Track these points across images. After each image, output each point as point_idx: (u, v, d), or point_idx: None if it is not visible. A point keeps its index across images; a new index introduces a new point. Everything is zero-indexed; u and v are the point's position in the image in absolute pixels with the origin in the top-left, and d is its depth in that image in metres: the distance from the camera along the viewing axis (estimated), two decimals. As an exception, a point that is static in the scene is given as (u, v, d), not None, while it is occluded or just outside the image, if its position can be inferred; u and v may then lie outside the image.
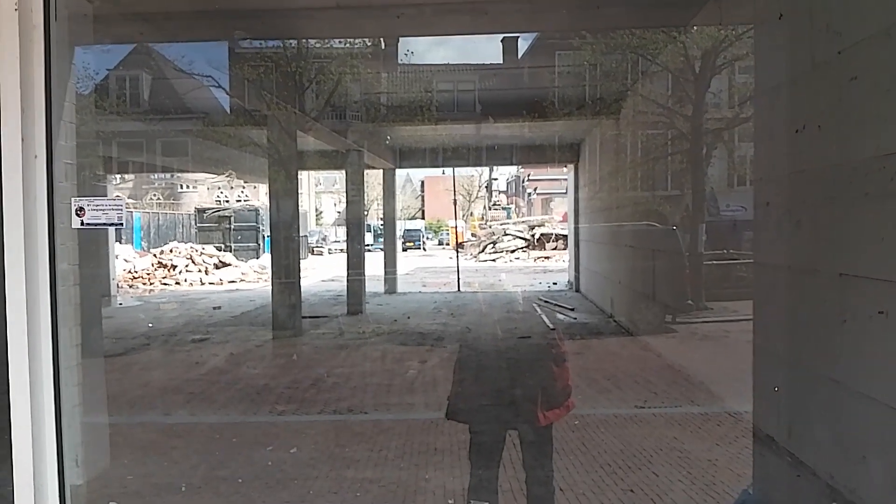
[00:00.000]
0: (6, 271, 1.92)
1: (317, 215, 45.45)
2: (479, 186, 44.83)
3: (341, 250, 23.64)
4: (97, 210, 2.07)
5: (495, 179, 43.13)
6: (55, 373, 2.00)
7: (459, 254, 22.99)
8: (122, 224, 2.10)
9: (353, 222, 16.14)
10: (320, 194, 48.34)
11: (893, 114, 2.35)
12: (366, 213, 23.43)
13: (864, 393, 2.55)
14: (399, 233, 26.18)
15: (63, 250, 2.21)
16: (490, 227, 33.04)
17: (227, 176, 21.28)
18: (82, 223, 2.07)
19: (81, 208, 2.07)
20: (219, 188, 33.34)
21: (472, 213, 43.39)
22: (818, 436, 2.96)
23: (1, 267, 1.92)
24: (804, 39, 3.04)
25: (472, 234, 34.64)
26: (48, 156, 1.95)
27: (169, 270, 20.06)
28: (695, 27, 10.40)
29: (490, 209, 42.31)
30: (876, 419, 2.46)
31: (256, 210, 24.67)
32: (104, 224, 2.10)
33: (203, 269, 20.51)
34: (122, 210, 2.11)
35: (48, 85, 1.94)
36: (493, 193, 43.88)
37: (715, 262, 12.38)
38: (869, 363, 2.52)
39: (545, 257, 27.39)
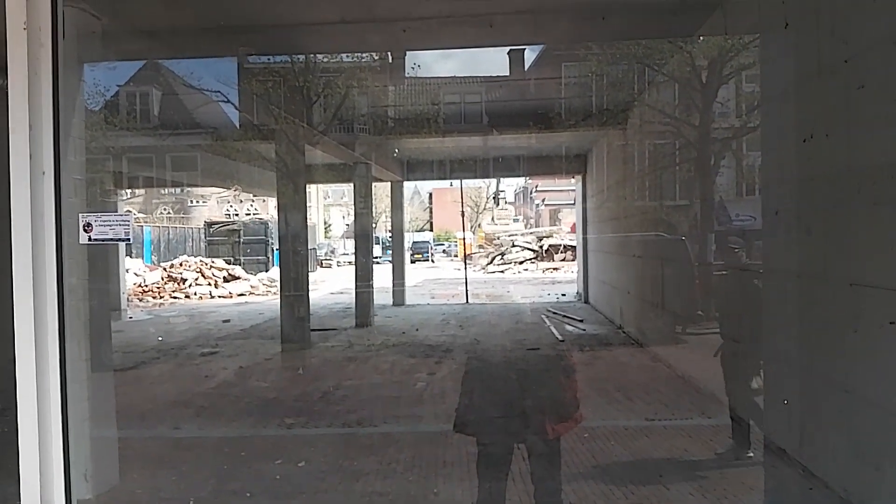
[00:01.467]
0: (14, 286, 1.93)
1: (325, 228, 45.57)
2: (487, 198, 44.85)
3: (350, 263, 23.69)
4: (104, 226, 2.08)
5: (502, 191, 42.81)
6: (62, 387, 2.01)
7: (468, 265, 22.96)
8: (129, 239, 2.11)
9: (362, 235, 16.17)
10: (329, 207, 48.49)
11: (901, 121, 2.34)
12: (374, 225, 23.49)
13: (877, 402, 2.52)
14: (407, 245, 26.20)
15: (71, 265, 2.22)
16: (498, 237, 33.00)
17: (233, 190, 21.38)
18: (90, 239, 2.08)
19: (89, 224, 2.08)
20: (228, 202, 33.53)
21: (479, 225, 43.37)
22: (830, 447, 2.93)
23: (9, 281, 1.93)
24: (810, 47, 3.03)
25: (480, 246, 34.62)
26: (56, 172, 1.97)
27: (179, 284, 20.14)
28: (701, 37, 10.41)
29: (496, 220, 42.14)
30: (889, 429, 2.43)
31: (265, 223, 24.76)
32: (111, 239, 2.11)
33: (212, 282, 20.58)
34: (129, 225, 2.12)
35: (56, 102, 1.96)
36: (501, 202, 43.57)
37: (725, 272, 12.29)
38: (881, 372, 2.50)
39: (554, 268, 27.32)
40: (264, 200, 31.57)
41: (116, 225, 2.10)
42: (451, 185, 32.01)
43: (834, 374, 2.87)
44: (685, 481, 4.91)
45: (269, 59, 13.57)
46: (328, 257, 33.02)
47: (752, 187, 13.86)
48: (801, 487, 3.17)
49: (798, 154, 3.13)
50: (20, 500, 2.00)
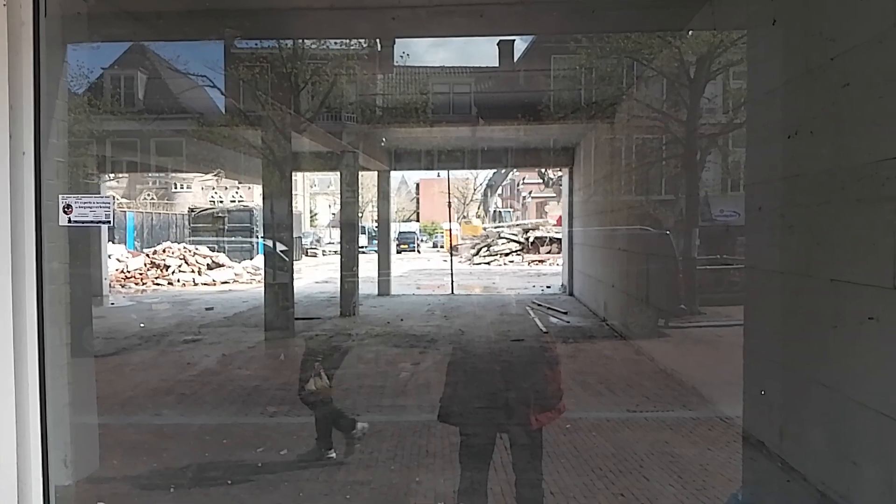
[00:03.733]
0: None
1: (311, 217, 45.40)
2: (475, 189, 44.84)
3: (335, 252, 23.61)
4: (84, 208, 2.05)
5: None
6: (41, 372, 1.98)
7: (454, 256, 22.98)
8: (109, 222, 2.08)
9: (348, 224, 16.11)
10: (315, 196, 48.29)
11: (886, 120, 2.35)
12: (360, 214, 23.39)
13: (855, 398, 2.55)
14: (393, 235, 26.16)
15: (52, 249, 2.19)
16: (485, 228, 32.97)
17: (215, 175, 21.20)
18: (70, 221, 2.05)
19: (69, 206, 2.05)
20: (213, 188, 33.27)
21: (466, 216, 43.31)
22: (809, 441, 2.96)
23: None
24: (798, 45, 3.05)
25: (473, 236, 34.51)
26: (36, 153, 1.93)
27: (162, 270, 19.97)
28: (689, 32, 10.43)
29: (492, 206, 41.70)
30: (867, 424, 2.46)
31: (251, 211, 24.60)
32: (91, 222, 2.08)
33: (196, 269, 20.43)
34: (109, 208, 2.09)
35: (37, 82, 1.92)
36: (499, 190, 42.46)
37: (708, 266, 12.41)
38: (860, 368, 2.53)
39: (539, 261, 27.41)
40: (249, 188, 31.37)
41: (97, 207, 2.07)
42: (439, 175, 32.00)
43: (814, 369, 2.91)
44: (666, 472, 4.96)
45: (256, 45, 13.45)
46: (314, 246, 32.89)
47: (737, 183, 13.97)
48: (780, 480, 3.21)
49: (783, 151, 3.15)
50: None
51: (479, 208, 44.67)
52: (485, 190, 42.33)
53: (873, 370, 2.42)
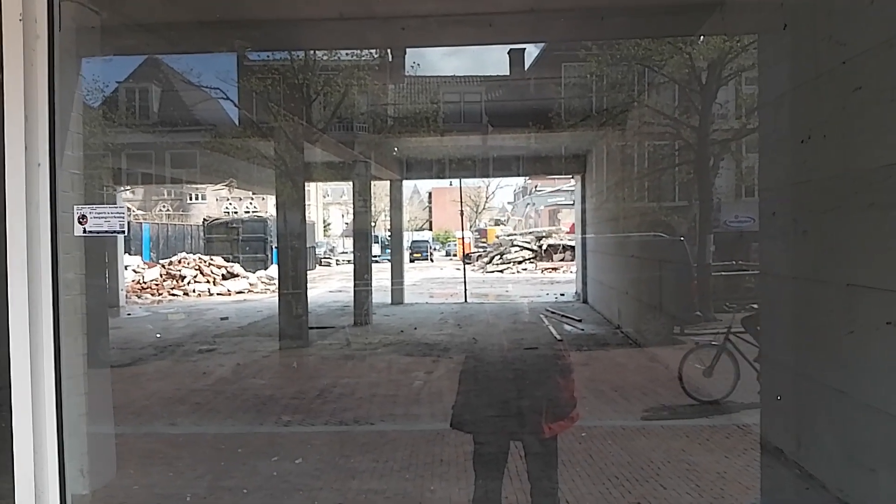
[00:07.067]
0: (8, 279, 1.93)
1: (325, 226, 45.57)
2: (487, 198, 44.88)
3: (349, 261, 23.66)
4: (99, 218, 2.08)
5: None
6: (57, 382, 2.00)
7: (467, 265, 22.96)
8: (123, 231, 2.11)
9: (361, 233, 16.16)
10: (328, 205, 48.48)
11: (898, 123, 2.34)
12: (373, 224, 23.45)
13: (872, 404, 2.52)
14: (406, 244, 26.19)
15: (68, 259, 2.22)
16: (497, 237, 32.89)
17: (227, 184, 21.34)
18: (84, 231, 2.08)
19: (84, 216, 2.08)
20: (227, 199, 33.51)
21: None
22: (827, 448, 2.93)
23: (3, 275, 1.93)
24: (808, 50, 3.03)
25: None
26: (51, 164, 1.96)
27: (177, 281, 20.11)
28: (700, 38, 10.41)
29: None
30: (885, 431, 2.43)
31: (265, 221, 24.72)
32: (106, 232, 2.10)
33: (211, 279, 20.55)
34: (123, 217, 2.11)
35: (52, 94, 1.95)
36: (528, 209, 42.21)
37: (723, 273, 12.32)
38: (876, 374, 2.50)
39: (553, 268, 27.31)
40: (263, 198, 31.57)
41: (111, 217, 2.09)
42: (451, 184, 32.01)
43: (829, 375, 2.88)
44: (682, 480, 4.91)
45: (268, 56, 13.57)
46: (327, 256, 33.00)
47: (751, 189, 13.88)
48: (798, 488, 3.17)
49: (795, 156, 3.13)
50: (14, 496, 2.00)
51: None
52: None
53: (890, 375, 2.39)
